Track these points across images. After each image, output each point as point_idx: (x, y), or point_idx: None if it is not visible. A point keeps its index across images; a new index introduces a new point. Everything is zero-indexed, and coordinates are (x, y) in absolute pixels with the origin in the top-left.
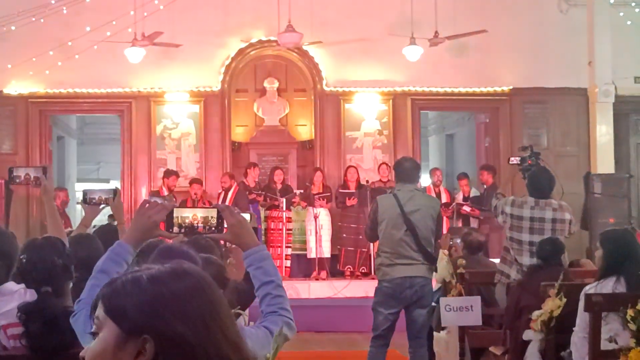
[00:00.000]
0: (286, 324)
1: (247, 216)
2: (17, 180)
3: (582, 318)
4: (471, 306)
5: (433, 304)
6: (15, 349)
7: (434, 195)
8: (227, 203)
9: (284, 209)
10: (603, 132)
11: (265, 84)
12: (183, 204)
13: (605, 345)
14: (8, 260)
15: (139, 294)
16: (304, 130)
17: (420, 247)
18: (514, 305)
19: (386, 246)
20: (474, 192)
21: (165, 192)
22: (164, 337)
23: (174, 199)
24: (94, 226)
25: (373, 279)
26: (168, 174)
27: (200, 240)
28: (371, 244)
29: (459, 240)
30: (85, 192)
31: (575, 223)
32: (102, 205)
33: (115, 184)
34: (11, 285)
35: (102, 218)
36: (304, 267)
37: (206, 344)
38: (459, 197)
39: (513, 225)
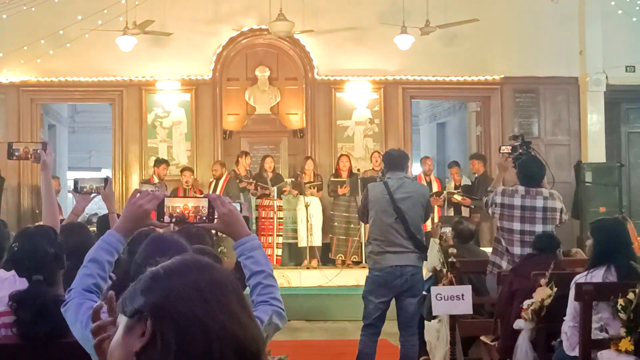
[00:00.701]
0: (277, 314)
1: (237, 205)
2: (17, 154)
3: (572, 307)
4: (462, 295)
5: (424, 292)
6: (7, 338)
7: (424, 184)
8: (218, 191)
9: (275, 197)
10: (594, 121)
11: (257, 73)
12: (174, 193)
13: (595, 335)
14: None
15: (141, 281)
16: (295, 118)
17: (410, 234)
18: (507, 290)
19: (376, 234)
20: (465, 181)
21: (156, 180)
22: (161, 313)
23: (165, 187)
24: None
25: (364, 267)
26: (158, 162)
27: (191, 229)
28: (362, 233)
29: (449, 230)
30: (76, 181)
31: (566, 212)
32: (93, 194)
33: (106, 172)
34: (1, 272)
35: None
36: (295, 255)
37: (206, 321)
38: (450, 186)
39: (504, 214)
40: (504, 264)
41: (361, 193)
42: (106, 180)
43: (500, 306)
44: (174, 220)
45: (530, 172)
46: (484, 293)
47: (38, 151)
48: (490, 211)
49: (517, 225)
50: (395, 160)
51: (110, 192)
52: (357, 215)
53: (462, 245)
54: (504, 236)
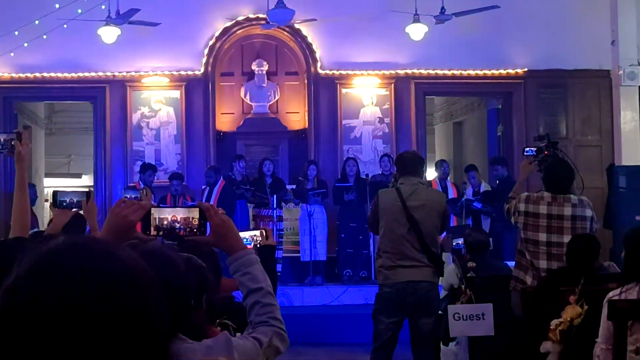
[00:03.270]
0: (277, 335)
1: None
2: None
3: (605, 327)
4: (482, 314)
5: (440, 312)
6: None
7: (439, 189)
8: (212, 200)
9: (274, 206)
10: (628, 118)
11: (253, 67)
12: (163, 200)
13: (631, 358)
14: None
15: (15, 270)
16: (297, 118)
17: (424, 247)
18: (531, 312)
19: (387, 245)
20: (485, 187)
21: (142, 185)
22: None
23: (152, 194)
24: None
25: (374, 284)
26: (144, 169)
27: (203, 248)
28: (372, 246)
29: (460, 241)
30: (55, 194)
31: (597, 220)
32: (73, 209)
33: (87, 178)
34: None
35: None
36: (297, 271)
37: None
38: (469, 193)
39: (528, 223)
40: (529, 279)
41: (370, 200)
42: (88, 194)
43: (526, 327)
44: (161, 233)
45: (558, 176)
46: (506, 311)
47: (12, 142)
48: (512, 220)
49: (543, 236)
50: (408, 164)
51: (92, 207)
52: (366, 226)
53: (476, 258)
54: (528, 248)
